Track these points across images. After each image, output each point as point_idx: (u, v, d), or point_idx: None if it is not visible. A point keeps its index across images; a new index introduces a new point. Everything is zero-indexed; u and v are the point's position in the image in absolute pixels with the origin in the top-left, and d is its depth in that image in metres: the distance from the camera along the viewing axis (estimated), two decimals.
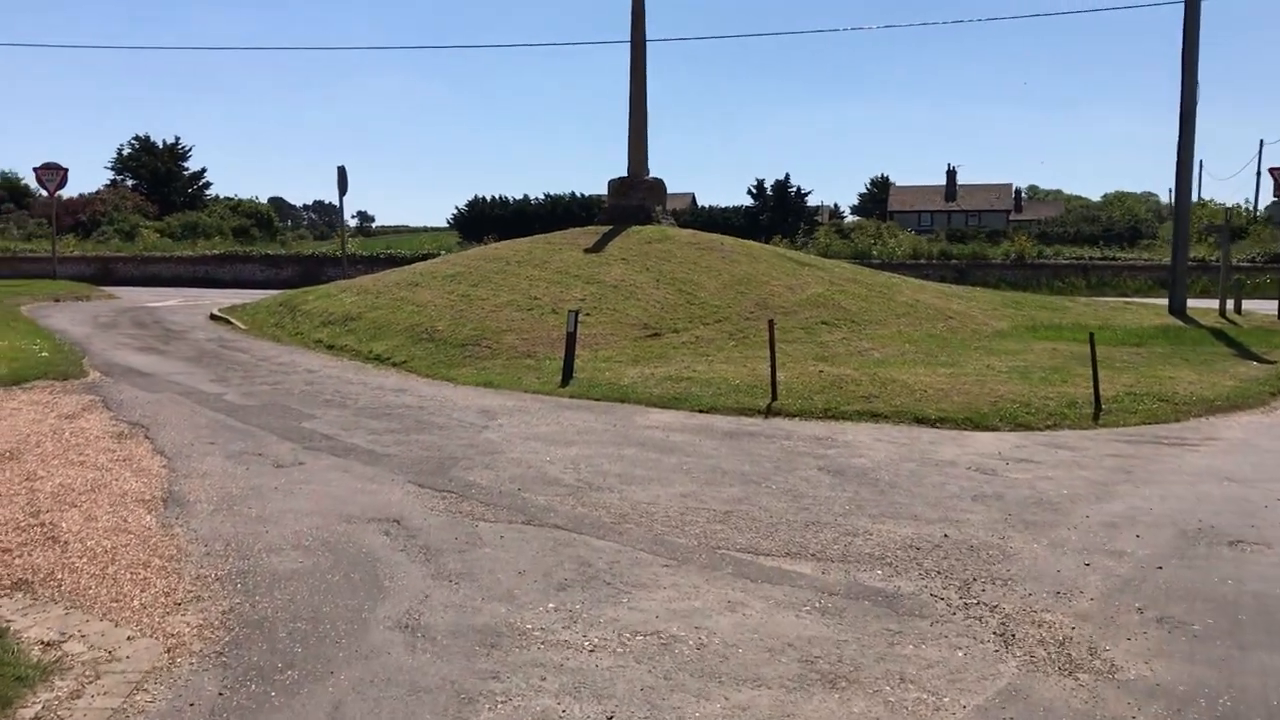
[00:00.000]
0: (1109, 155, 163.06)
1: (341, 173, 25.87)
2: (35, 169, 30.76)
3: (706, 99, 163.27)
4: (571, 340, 13.33)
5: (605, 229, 20.56)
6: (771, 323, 12.14)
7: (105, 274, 37.59)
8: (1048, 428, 11.01)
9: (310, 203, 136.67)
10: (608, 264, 18.30)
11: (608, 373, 13.45)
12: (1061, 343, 16.89)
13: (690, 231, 21.30)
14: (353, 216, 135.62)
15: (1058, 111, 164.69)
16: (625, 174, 22.04)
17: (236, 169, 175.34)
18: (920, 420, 11.13)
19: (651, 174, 22.16)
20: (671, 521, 7.08)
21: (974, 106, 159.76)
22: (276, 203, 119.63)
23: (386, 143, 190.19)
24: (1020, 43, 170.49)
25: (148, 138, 75.51)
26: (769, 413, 11.42)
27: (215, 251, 38.00)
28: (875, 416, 11.28)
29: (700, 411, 11.54)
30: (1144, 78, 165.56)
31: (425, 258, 30.29)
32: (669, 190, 22.74)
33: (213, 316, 20.79)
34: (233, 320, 19.89)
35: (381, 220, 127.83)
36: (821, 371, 13.22)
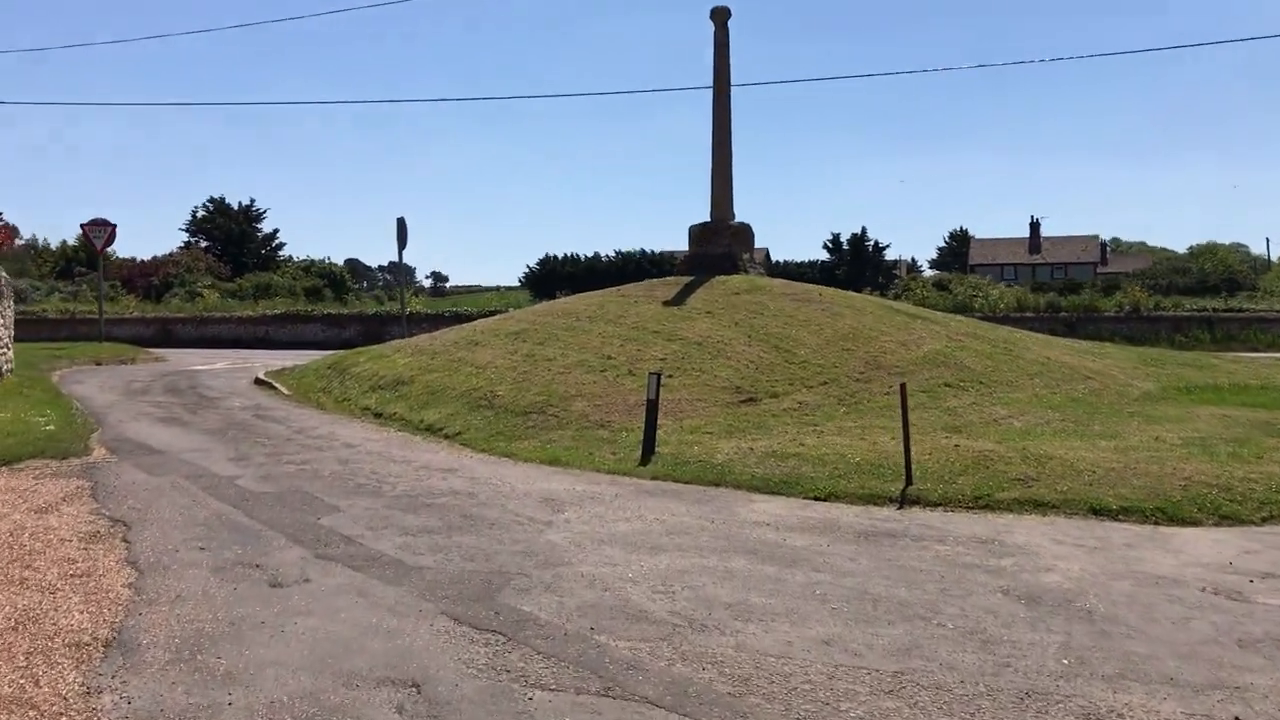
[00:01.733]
0: (1192, 206, 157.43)
1: (401, 225, 24.21)
2: (83, 225, 29.73)
3: (778, 152, 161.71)
4: (653, 408, 11.15)
5: (686, 280, 18.41)
6: (904, 387, 9.82)
7: (165, 335, 36.53)
8: (1264, 520, 8.59)
9: (386, 263, 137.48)
10: (690, 318, 16.13)
11: (696, 447, 11.22)
12: (1229, 407, 14.26)
13: (782, 281, 19.04)
14: (426, 276, 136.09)
15: (1140, 162, 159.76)
16: (708, 219, 19.93)
17: (314, 232, 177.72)
18: (1097, 511, 8.74)
19: (737, 218, 20.02)
20: (818, 693, 4.78)
21: (1053, 157, 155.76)
22: (352, 264, 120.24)
23: (461, 202, 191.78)
24: (1098, 92, 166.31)
25: (223, 199, 76.10)
26: (904, 501, 9.09)
27: (275, 311, 36.71)
28: (1040, 506, 8.89)
29: (817, 499, 9.25)
30: (1228, 127, 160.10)
31: (492, 314, 28.46)
32: None
33: (257, 381, 19.05)
34: (277, 385, 18.09)
35: (455, 280, 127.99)
36: (957, 446, 10.84)
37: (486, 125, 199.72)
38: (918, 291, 35.99)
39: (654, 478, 10.16)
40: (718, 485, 9.82)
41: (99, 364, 24.00)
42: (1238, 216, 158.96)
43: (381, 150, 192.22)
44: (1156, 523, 8.47)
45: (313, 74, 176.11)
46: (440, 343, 17.36)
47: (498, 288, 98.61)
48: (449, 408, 13.82)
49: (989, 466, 10.00)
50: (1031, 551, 7.34)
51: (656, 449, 11.09)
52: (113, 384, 19.35)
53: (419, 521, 8.15)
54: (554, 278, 69.62)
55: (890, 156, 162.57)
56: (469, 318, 29.98)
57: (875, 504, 9.11)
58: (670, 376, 13.69)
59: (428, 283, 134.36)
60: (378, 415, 14.60)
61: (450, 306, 36.80)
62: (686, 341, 15.07)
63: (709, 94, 19.80)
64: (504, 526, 7.99)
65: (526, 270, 79.15)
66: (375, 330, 33.54)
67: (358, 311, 36.33)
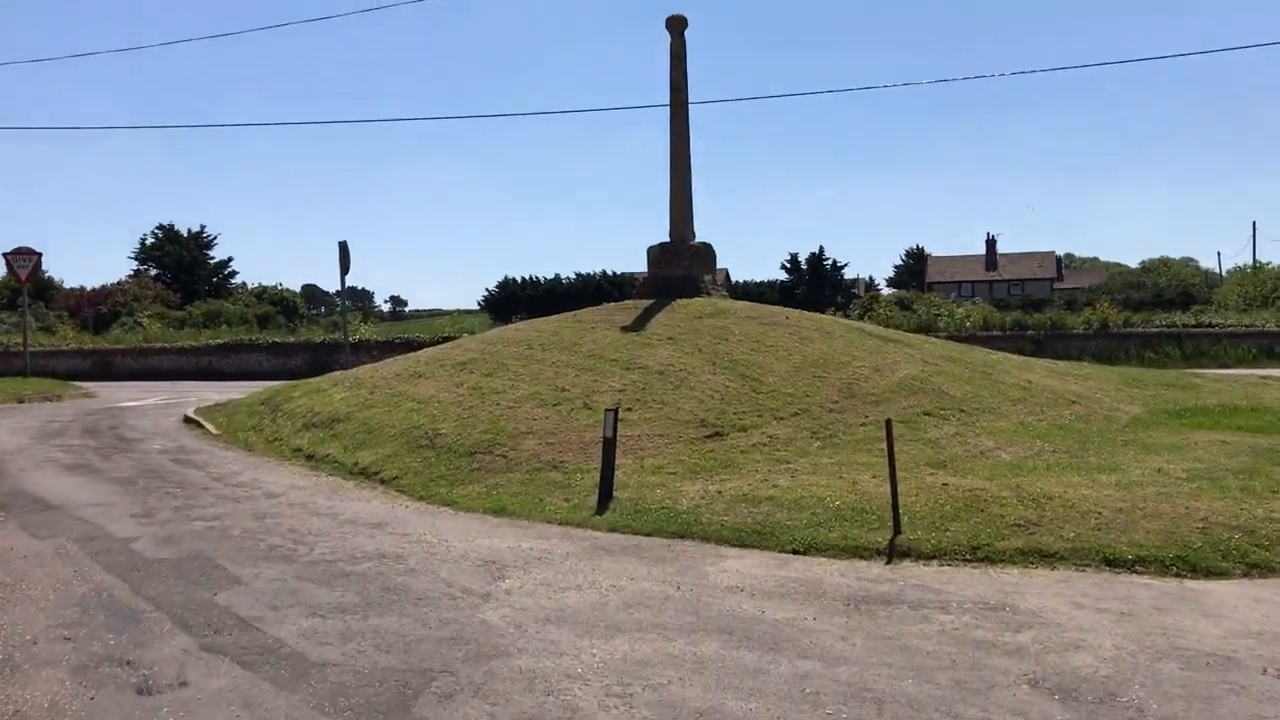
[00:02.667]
0: (1142, 222, 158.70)
1: (343, 249, 22.90)
2: (5, 255, 28.07)
3: (732, 172, 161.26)
4: (610, 448, 10.01)
5: (645, 303, 17.28)
6: (889, 425, 8.76)
7: (103, 368, 34.92)
8: None
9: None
10: (651, 345, 15.02)
11: (658, 490, 10.09)
12: (1224, 432, 13.36)
13: (747, 304, 17.95)
14: (386, 300, 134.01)
15: (1090, 178, 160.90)
16: (667, 239, 18.83)
17: (272, 258, 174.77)
18: (1111, 562, 7.74)
19: (698, 238, 18.93)
20: None
21: (1006, 175, 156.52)
22: (310, 290, 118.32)
23: (422, 226, 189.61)
24: (1049, 112, 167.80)
25: (172, 226, 74.38)
26: (894, 554, 8.03)
27: (219, 341, 35.17)
28: (1047, 558, 7.87)
29: (795, 553, 8.16)
30: (1175, 144, 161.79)
31: (448, 340, 27.17)
32: None
33: (186, 419, 17.68)
34: (205, 424, 16.74)
35: (416, 304, 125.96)
36: (945, 485, 9.79)
37: (448, 149, 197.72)
38: (881, 311, 35.16)
39: (611, 529, 9.02)
40: (683, 537, 8.71)
41: (21, 401, 22.48)
42: (1185, 231, 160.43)
43: (341, 174, 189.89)
44: (1179, 574, 7.49)
45: (269, 98, 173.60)
46: (381, 375, 16.12)
47: (459, 311, 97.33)
48: (386, 448, 12.60)
49: (983, 509, 8.97)
50: (1051, 621, 6.27)
51: (614, 493, 9.97)
52: (27, 425, 17.89)
53: (333, 597, 6.94)
54: (513, 300, 68.61)
55: (846, 175, 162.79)
56: (421, 345, 28.73)
57: (861, 557, 8.05)
58: (629, 410, 12.56)
59: (386, 307, 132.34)
60: (309, 457, 13.34)
61: (401, 333, 35.42)
62: (647, 370, 13.95)
63: (667, 111, 18.82)
64: (432, 602, 6.79)
65: (486, 293, 78.07)
66: (323, 359, 32.13)
67: (305, 339, 34.84)
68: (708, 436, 11.93)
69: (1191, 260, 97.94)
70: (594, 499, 9.90)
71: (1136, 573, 7.59)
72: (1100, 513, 8.83)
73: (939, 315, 32.91)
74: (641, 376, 13.74)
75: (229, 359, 34.30)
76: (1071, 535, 8.28)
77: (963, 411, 13.35)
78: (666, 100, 18.77)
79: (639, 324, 15.99)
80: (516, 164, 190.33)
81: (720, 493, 9.82)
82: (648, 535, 8.77)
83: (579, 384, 13.59)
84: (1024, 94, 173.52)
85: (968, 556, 7.97)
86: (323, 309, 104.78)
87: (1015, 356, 19.37)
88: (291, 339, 35.41)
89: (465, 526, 9.26)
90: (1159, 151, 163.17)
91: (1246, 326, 30.63)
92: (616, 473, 10.50)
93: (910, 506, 8.95)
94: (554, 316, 18.24)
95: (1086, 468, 10.81)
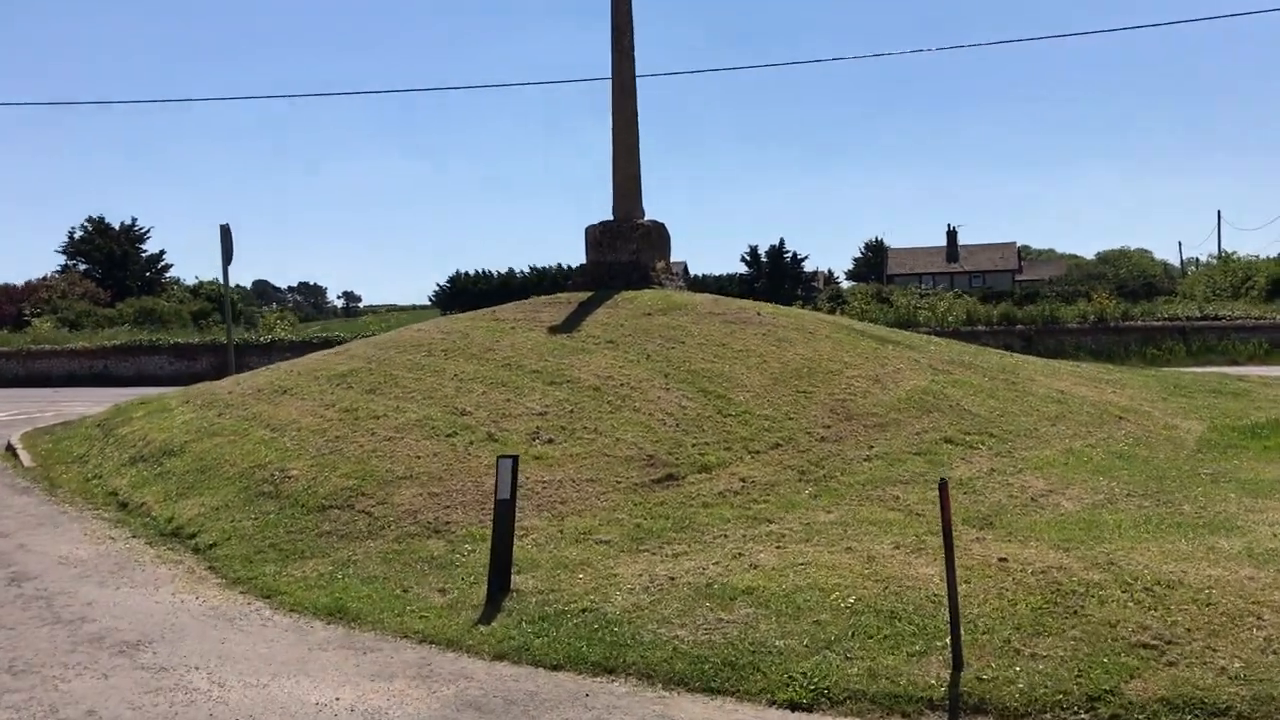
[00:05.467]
0: (1097, 212, 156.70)
1: (225, 234, 19.26)
2: None
3: (687, 164, 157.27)
4: (506, 514, 6.64)
5: (582, 296, 13.79)
6: (944, 488, 5.48)
7: None
8: None
9: (295, 284, 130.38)
10: (585, 350, 11.62)
11: (581, 575, 6.77)
12: None
13: (710, 297, 14.48)
14: (339, 296, 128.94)
15: (1042, 170, 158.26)
16: (610, 217, 15.35)
17: (216, 252, 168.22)
18: None
19: (648, 216, 15.44)
20: None
21: (961, 167, 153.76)
22: (260, 286, 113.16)
23: (377, 219, 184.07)
24: (1002, 102, 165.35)
25: (102, 219, 69.71)
26: (959, 709, 4.80)
27: (115, 343, 31.20)
28: (1216, 717, 4.70)
29: (794, 708, 4.91)
30: (1123, 135, 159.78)
31: (370, 339, 23.59)
32: None
33: (8, 446, 14.04)
34: (21, 454, 13.14)
35: (370, 299, 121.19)
36: (1005, 562, 6.57)
37: (400, 139, 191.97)
38: (855, 305, 31.92)
39: (498, 654, 5.71)
40: (611, 671, 5.43)
41: None
42: (1141, 222, 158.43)
43: (288, 165, 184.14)
44: None
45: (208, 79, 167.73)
46: (242, 390, 12.59)
47: (414, 307, 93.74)
48: (217, 496, 9.14)
49: (1078, 610, 5.79)
50: None
51: (514, 582, 6.63)
52: None
53: None
54: (465, 295, 65.11)
55: (801, 168, 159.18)
56: (340, 344, 25.16)
57: (905, 715, 4.81)
58: (549, 442, 9.22)
59: (340, 303, 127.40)
60: (123, 505, 9.86)
61: (320, 331, 31.67)
62: (577, 386, 10.56)
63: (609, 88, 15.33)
64: None
65: (436, 288, 74.35)
66: (234, 361, 28.41)
67: (212, 340, 30.97)
68: (657, 481, 8.58)
69: (1147, 251, 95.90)
70: (483, 588, 6.57)
71: None
72: (1259, 614, 5.70)
73: (919, 309, 29.73)
74: (570, 394, 10.35)
75: (126, 362, 30.38)
76: (1237, 666, 5.14)
77: (992, 436, 10.12)
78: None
79: (571, 323, 12.55)
80: (473, 155, 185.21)
81: (673, 579, 6.51)
82: (554, 669, 5.47)
83: (485, 405, 10.17)
84: (979, 84, 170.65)
85: (1083, 714, 4.77)
86: (272, 304, 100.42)
87: (1035, 359, 16.23)
88: (197, 340, 31.49)
89: (270, 647, 5.88)
90: (1107, 144, 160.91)
91: (1256, 319, 27.84)
92: (524, 541, 7.22)
93: (963, 603, 5.71)
94: (465, 314, 14.76)
95: (1186, 523, 7.64)
